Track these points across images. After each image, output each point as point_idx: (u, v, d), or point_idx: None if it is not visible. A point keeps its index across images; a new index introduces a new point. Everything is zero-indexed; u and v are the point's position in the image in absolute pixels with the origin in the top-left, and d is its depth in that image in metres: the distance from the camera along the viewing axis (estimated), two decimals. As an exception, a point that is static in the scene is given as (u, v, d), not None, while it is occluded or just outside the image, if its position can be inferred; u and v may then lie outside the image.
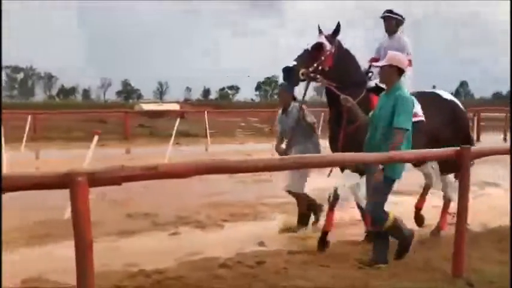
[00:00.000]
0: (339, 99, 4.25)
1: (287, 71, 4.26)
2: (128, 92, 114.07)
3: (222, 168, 2.87)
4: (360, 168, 4.47)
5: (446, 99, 5.22)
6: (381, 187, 4.01)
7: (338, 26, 4.49)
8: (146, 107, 34.67)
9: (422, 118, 4.81)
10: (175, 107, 35.59)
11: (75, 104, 58.73)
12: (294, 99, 5.28)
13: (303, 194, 5.36)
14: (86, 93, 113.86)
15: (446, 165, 5.19)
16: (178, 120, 12.35)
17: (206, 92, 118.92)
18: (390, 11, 4.99)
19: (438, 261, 4.14)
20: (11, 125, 14.01)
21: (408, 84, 4.92)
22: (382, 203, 4.07)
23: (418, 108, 4.80)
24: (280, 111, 5.50)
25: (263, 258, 4.35)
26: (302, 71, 4.27)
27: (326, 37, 4.47)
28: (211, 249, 4.78)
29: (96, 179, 2.55)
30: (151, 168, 2.67)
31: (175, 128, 12.02)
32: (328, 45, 4.42)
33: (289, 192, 5.38)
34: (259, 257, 4.41)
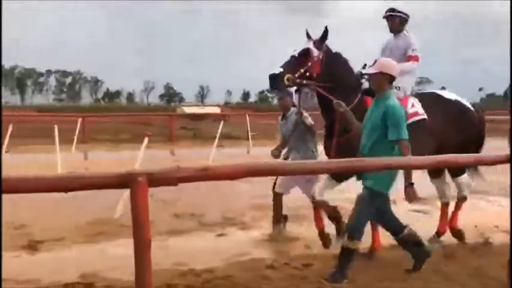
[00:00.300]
0: (331, 105, 4.14)
1: (272, 77, 4.20)
2: (170, 95, 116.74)
3: (275, 171, 2.90)
4: (339, 176, 4.35)
5: (449, 100, 4.95)
6: (366, 202, 3.83)
7: (325, 32, 4.40)
8: (188, 110, 35.37)
9: (424, 116, 4.65)
10: (216, 110, 36.13)
11: (120, 107, 60.40)
12: (294, 105, 5.20)
13: (280, 199, 5.32)
14: (130, 96, 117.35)
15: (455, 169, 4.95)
16: (222, 123, 12.55)
17: (246, 95, 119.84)
18: (392, 10, 4.83)
19: (493, 268, 4.03)
20: (62, 127, 14.65)
21: (412, 81, 4.81)
22: (366, 219, 3.89)
23: (418, 106, 4.66)
24: (280, 117, 5.51)
25: (310, 261, 4.36)
26: (287, 76, 4.20)
27: (314, 43, 4.39)
28: (257, 250, 4.84)
29: (154, 179, 2.63)
30: (207, 169, 2.74)
31: (220, 130, 12.20)
32: (315, 51, 4.34)
33: (273, 192, 5.36)
34: (306, 259, 4.42)
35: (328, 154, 4.56)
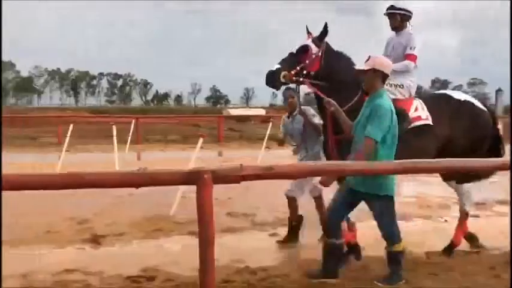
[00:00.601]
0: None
1: (269, 74, 4.13)
2: (217, 97, 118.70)
3: (337, 171, 2.93)
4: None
5: (459, 100, 4.72)
6: (385, 209, 3.77)
7: (325, 28, 4.29)
8: (233, 112, 35.83)
9: (428, 121, 4.46)
10: (261, 112, 36.37)
11: (168, 109, 61.91)
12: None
13: (295, 203, 5.24)
14: (178, 98, 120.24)
15: (463, 174, 4.68)
16: (270, 125, 12.66)
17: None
18: (392, 7, 4.69)
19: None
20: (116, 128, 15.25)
21: (415, 80, 4.63)
22: (394, 221, 3.83)
23: (422, 110, 4.49)
24: (285, 115, 5.45)
25: (365, 263, 4.34)
26: (283, 73, 4.11)
27: (313, 40, 4.30)
28: (310, 251, 4.85)
29: (219, 177, 2.74)
30: (269, 168, 2.81)
31: (268, 132, 12.32)
32: (314, 48, 4.25)
33: (287, 197, 5.28)
34: (362, 261, 4.41)
35: (327, 152, 4.47)
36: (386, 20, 4.75)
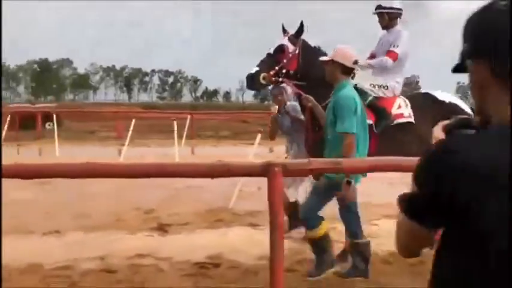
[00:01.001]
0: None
1: (249, 78, 4.16)
2: (264, 94, 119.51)
3: (403, 166, 3.01)
4: None
5: (443, 102, 4.59)
6: (321, 191, 3.70)
7: (301, 26, 4.28)
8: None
9: (410, 119, 4.39)
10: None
11: (217, 105, 63.00)
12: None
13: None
14: (227, 95, 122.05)
15: None
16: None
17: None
18: (380, 6, 4.67)
19: None
20: (169, 123, 15.75)
21: (400, 80, 4.58)
22: (317, 207, 3.76)
23: (405, 108, 4.41)
24: (275, 111, 5.36)
25: (423, 258, 4.38)
26: (263, 75, 4.14)
27: (289, 38, 4.29)
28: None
29: (289, 170, 2.90)
30: (336, 163, 2.96)
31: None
32: (290, 47, 4.24)
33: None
34: (422, 256, 4.45)
35: (308, 151, 4.44)
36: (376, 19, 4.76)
